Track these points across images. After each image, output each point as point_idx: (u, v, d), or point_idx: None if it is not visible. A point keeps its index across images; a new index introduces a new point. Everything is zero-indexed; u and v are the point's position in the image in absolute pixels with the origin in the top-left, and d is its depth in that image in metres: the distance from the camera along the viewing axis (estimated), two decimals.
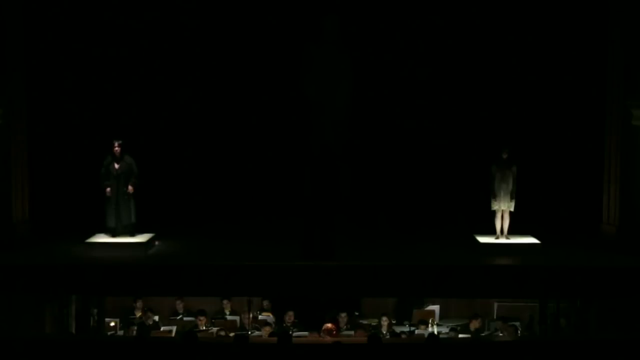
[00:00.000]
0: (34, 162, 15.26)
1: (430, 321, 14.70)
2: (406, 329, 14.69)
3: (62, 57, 15.77)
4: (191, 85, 16.03)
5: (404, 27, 15.91)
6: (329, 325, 13.71)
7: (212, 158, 16.11)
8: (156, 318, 14.96)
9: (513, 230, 14.48)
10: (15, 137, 14.70)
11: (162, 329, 14.66)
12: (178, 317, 15.11)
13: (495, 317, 15.34)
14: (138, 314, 15.06)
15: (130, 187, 14.28)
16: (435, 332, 14.10)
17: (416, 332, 14.41)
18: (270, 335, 13.74)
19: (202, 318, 14.67)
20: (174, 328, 14.67)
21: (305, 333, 14.11)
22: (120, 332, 14.74)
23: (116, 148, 14.26)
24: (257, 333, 14.30)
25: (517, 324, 14.83)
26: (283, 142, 15.83)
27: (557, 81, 15.87)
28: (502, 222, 14.41)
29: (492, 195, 14.35)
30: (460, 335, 14.14)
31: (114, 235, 14.30)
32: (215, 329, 14.54)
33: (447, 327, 14.69)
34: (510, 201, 14.29)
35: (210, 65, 16.01)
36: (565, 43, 15.74)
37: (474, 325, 14.62)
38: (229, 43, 15.98)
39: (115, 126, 15.43)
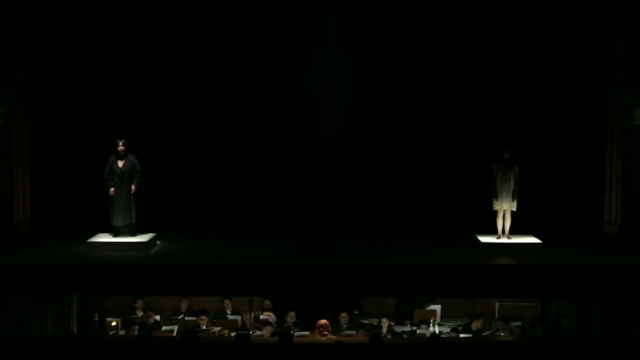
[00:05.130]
0: (35, 162, 15.26)
1: (431, 321, 14.69)
2: (407, 328, 14.68)
3: (63, 56, 15.76)
4: (193, 85, 16.02)
5: (405, 26, 15.90)
6: (323, 321, 13.67)
7: (213, 158, 16.11)
8: (157, 317, 14.97)
9: (514, 230, 14.47)
10: (16, 137, 14.70)
11: (163, 328, 14.66)
12: (179, 317, 15.11)
13: (496, 317, 15.34)
14: (139, 313, 15.05)
15: (133, 187, 14.28)
16: (437, 332, 14.09)
17: (417, 331, 14.41)
18: (272, 335, 13.74)
19: (203, 317, 14.67)
20: (176, 328, 14.67)
21: (307, 333, 14.11)
22: (122, 332, 14.74)
23: (120, 147, 14.28)
24: (258, 333, 14.30)
25: (519, 323, 14.82)
26: (284, 141, 15.82)
27: (558, 81, 15.86)
28: (503, 221, 14.40)
29: (493, 195, 14.35)
30: (462, 335, 14.13)
31: (116, 235, 14.31)
32: (216, 329, 14.55)
33: (449, 327, 14.68)
34: (512, 201, 14.28)
35: (212, 65, 16.01)
36: (566, 42, 15.73)
37: (476, 325, 14.61)
38: (230, 43, 15.98)
39: (116, 126, 15.42)
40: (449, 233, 15.39)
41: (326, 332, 13.26)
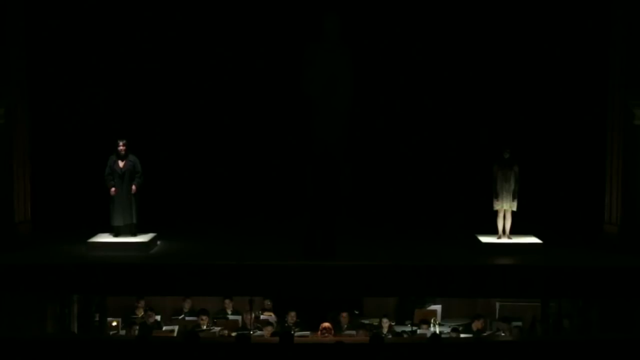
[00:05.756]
0: (36, 162, 15.26)
1: (432, 321, 14.69)
2: (408, 328, 14.68)
3: (64, 56, 15.76)
4: (193, 85, 16.01)
5: (406, 25, 15.89)
6: (326, 324, 13.68)
7: (214, 158, 16.10)
8: (158, 318, 14.97)
9: (515, 230, 14.47)
10: (16, 137, 14.70)
11: (164, 328, 14.66)
12: (180, 317, 15.11)
13: (497, 317, 15.34)
14: (140, 313, 15.05)
15: (133, 187, 14.29)
16: (437, 332, 14.09)
17: (418, 331, 14.40)
18: (272, 335, 13.74)
19: (203, 317, 14.67)
20: (176, 328, 14.67)
21: (307, 333, 14.12)
22: (122, 332, 14.74)
23: (121, 147, 14.28)
24: (259, 333, 14.31)
25: (519, 324, 14.82)
26: (284, 141, 15.82)
27: (559, 80, 15.85)
28: (504, 221, 14.40)
29: (494, 195, 14.35)
30: (462, 335, 14.13)
31: (117, 235, 14.32)
32: (217, 329, 14.55)
33: (449, 327, 14.68)
34: (512, 201, 14.28)
35: (212, 65, 16.00)
36: (567, 43, 15.72)
37: (477, 325, 14.61)
38: (230, 43, 15.97)
39: (117, 126, 15.42)
40: (449, 233, 15.38)
41: (328, 335, 13.27)
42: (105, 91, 15.87)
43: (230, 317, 15.09)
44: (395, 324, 14.95)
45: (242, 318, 14.97)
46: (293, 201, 15.17)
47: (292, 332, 13.40)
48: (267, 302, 15.36)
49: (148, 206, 14.76)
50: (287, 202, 15.59)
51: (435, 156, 16.09)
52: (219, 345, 12.08)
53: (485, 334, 14.40)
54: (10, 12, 14.56)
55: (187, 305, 15.22)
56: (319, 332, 13.46)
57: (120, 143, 14.30)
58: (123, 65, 15.85)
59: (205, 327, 14.54)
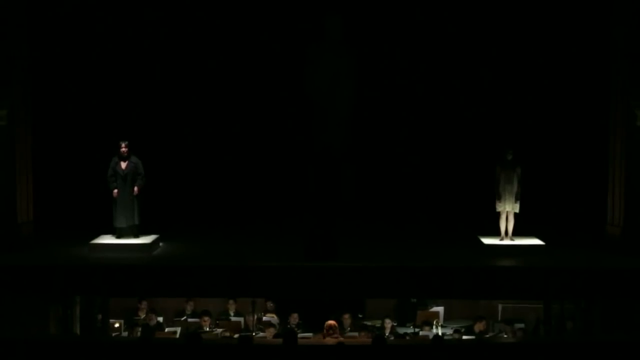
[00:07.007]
0: (38, 163, 15.27)
1: (434, 322, 14.68)
2: (410, 330, 14.67)
3: (66, 57, 15.78)
4: (195, 86, 16.03)
5: (408, 26, 15.90)
6: (331, 322, 13.67)
7: (216, 159, 16.12)
8: (160, 319, 14.97)
9: (517, 232, 14.46)
10: (19, 138, 14.70)
11: (166, 330, 14.66)
12: (182, 318, 15.11)
13: (499, 318, 15.33)
14: (142, 315, 15.05)
15: (135, 189, 14.29)
16: (440, 334, 14.08)
17: (420, 333, 14.39)
18: (275, 336, 13.73)
19: (206, 319, 14.67)
20: (179, 329, 14.67)
21: (310, 334, 14.11)
22: (125, 333, 14.74)
23: (123, 149, 14.28)
24: (261, 334, 14.30)
25: (522, 325, 14.81)
26: (286, 143, 15.83)
27: (561, 82, 15.86)
28: (506, 223, 14.38)
29: (496, 196, 14.34)
30: (464, 337, 14.12)
31: (119, 236, 14.32)
32: (219, 330, 14.54)
33: (451, 328, 14.67)
34: (515, 202, 14.27)
35: (214, 66, 16.02)
36: (569, 44, 15.74)
37: (479, 327, 14.59)
38: (232, 44, 15.98)
39: (119, 127, 15.44)
40: (451, 234, 15.37)
41: (336, 335, 13.26)
42: (107, 92, 15.88)
43: (233, 318, 15.08)
44: (398, 326, 14.94)
45: (245, 319, 14.96)
46: (295, 203, 15.17)
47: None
48: (270, 304, 15.35)
49: (150, 207, 14.77)
50: (289, 203, 15.59)
51: (437, 157, 16.09)
52: (222, 346, 12.08)
53: (487, 336, 14.39)
54: (13, 13, 14.55)
55: (189, 307, 15.22)
56: (324, 331, 13.45)
57: (123, 144, 14.31)
58: (125, 66, 15.87)
59: (207, 328, 14.54)
